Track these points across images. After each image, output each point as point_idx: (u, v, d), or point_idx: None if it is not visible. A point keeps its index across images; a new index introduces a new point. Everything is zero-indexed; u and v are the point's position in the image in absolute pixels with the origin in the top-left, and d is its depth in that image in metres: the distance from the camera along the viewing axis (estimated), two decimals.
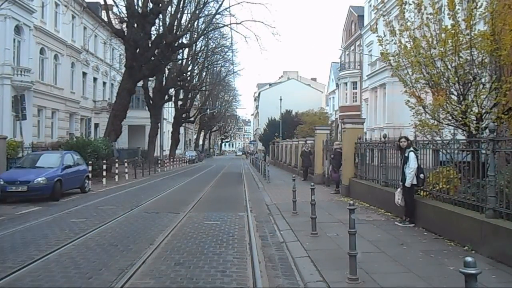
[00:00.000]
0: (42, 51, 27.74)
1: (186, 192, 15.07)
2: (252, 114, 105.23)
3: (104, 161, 19.02)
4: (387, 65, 27.50)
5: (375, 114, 31.85)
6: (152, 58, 23.36)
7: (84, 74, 35.56)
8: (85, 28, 34.70)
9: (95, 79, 38.30)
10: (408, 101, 9.07)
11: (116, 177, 18.88)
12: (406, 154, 7.86)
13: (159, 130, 40.82)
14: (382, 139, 10.44)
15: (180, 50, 33.54)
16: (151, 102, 34.39)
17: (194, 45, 35.52)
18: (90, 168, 15.98)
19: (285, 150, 31.55)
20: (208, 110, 64.86)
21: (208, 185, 18.00)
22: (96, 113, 37.90)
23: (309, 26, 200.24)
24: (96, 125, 37.99)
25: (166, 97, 36.31)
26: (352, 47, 43.70)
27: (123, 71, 45.60)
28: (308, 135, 32.19)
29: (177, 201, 12.40)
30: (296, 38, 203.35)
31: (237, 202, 12.45)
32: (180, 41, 25.66)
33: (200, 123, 65.74)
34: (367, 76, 33.21)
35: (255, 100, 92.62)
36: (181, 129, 59.48)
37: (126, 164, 20.77)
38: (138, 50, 22.67)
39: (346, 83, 41.95)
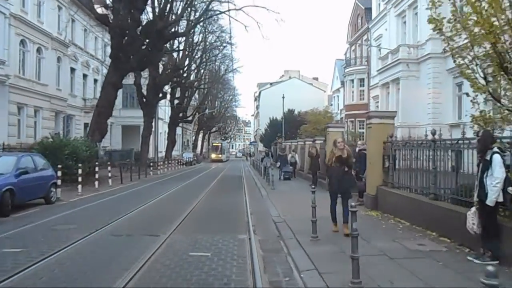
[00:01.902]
0: (22, 43, 25.18)
1: (175, 202, 12.54)
2: (253, 115, 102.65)
3: (82, 164, 16.54)
4: (402, 58, 24.81)
5: None
6: (143, 48, 20.75)
7: (73, 70, 33.07)
8: (73, 20, 32.14)
9: (85, 76, 35.74)
10: (467, 95, 6.49)
11: (97, 183, 16.28)
12: (488, 157, 5.28)
13: (154, 130, 38.38)
14: (431, 136, 7.85)
15: (176, 43, 30.95)
16: (144, 99, 31.83)
17: (191, 38, 32.94)
18: (62, 173, 13.47)
19: (289, 151, 28.92)
20: (207, 110, 62.34)
21: (203, 192, 15.44)
22: (86, 112, 35.31)
23: (311, 25, 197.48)
24: (86, 125, 35.34)
25: (161, 94, 33.72)
26: (359, 42, 41.21)
27: None
28: (311, 135, 29.69)
29: (160, 216, 9.85)
30: (297, 37, 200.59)
31: (236, 218, 9.90)
32: (173, 30, 23.09)
33: (199, 123, 63.17)
34: (377, 71, 30.68)
35: (255, 100, 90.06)
36: (179, 130, 57.04)
37: (110, 168, 18.11)
38: (125, 40, 20.12)
39: (352, 80, 39.46)
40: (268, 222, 9.13)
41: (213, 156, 58.59)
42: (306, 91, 64.27)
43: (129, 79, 32.86)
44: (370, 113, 11.52)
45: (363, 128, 38.01)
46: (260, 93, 76.02)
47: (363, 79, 38.52)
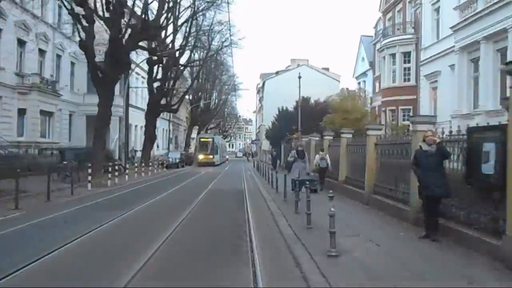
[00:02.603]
0: None
1: None
2: (255, 111, 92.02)
3: None
4: None
5: (473, 90, 18.70)
6: None
7: None
8: None
9: (22, 43, 25.20)
10: None
11: None
12: None
13: (125, 121, 28.25)
14: None
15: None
16: (99, 73, 21.21)
17: None
18: None
19: (314, 151, 18.37)
20: (202, 101, 51.91)
21: (137, 263, 4.89)
22: (21, 93, 24.84)
23: (320, 8, 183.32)
24: (22, 112, 24.94)
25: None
26: (399, 6, 30.72)
27: (77, 39, 32.60)
28: (340, 128, 19.26)
29: None
30: (305, 24, 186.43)
31: None
32: None
33: (192, 117, 52.56)
34: (452, 28, 19.97)
35: (258, 92, 79.33)
36: (165, 124, 46.67)
37: None
38: None
39: (393, 55, 28.83)
40: None
41: (201, 157, 39.32)
42: (317, 81, 53.71)
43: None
44: None
45: (407, 119, 27.50)
46: (264, 83, 65.41)
47: (409, 52, 27.95)
